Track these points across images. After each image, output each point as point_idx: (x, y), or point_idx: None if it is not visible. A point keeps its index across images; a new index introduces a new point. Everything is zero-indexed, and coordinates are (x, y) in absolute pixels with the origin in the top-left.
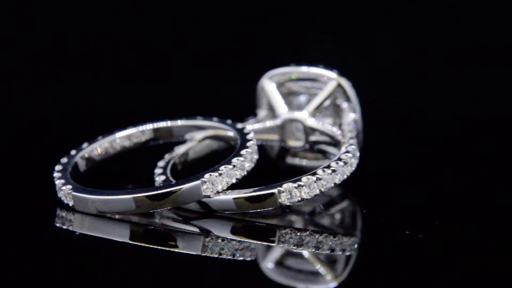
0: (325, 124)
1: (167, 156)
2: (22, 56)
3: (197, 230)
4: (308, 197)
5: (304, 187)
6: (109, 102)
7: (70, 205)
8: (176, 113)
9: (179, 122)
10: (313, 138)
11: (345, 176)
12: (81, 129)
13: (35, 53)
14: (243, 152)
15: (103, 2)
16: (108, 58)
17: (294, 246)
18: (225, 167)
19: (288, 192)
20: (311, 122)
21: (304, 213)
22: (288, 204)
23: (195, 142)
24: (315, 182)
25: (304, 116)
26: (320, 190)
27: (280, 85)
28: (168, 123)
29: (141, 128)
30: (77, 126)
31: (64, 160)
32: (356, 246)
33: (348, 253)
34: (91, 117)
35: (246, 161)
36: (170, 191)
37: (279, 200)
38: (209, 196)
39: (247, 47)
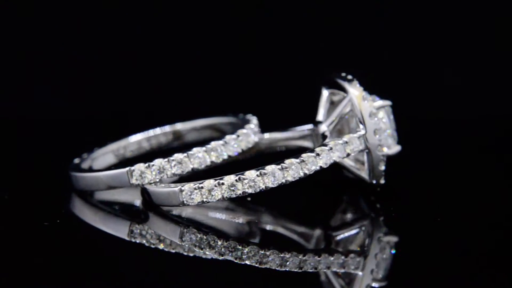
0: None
1: None
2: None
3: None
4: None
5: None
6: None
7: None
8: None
9: (187, 124)
10: None
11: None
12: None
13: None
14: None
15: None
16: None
17: (196, 247)
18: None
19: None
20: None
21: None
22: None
23: None
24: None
25: (322, 127)
26: (223, 197)
27: (333, 93)
28: (176, 126)
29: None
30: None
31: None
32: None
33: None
34: (125, 116)
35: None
36: None
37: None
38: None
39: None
